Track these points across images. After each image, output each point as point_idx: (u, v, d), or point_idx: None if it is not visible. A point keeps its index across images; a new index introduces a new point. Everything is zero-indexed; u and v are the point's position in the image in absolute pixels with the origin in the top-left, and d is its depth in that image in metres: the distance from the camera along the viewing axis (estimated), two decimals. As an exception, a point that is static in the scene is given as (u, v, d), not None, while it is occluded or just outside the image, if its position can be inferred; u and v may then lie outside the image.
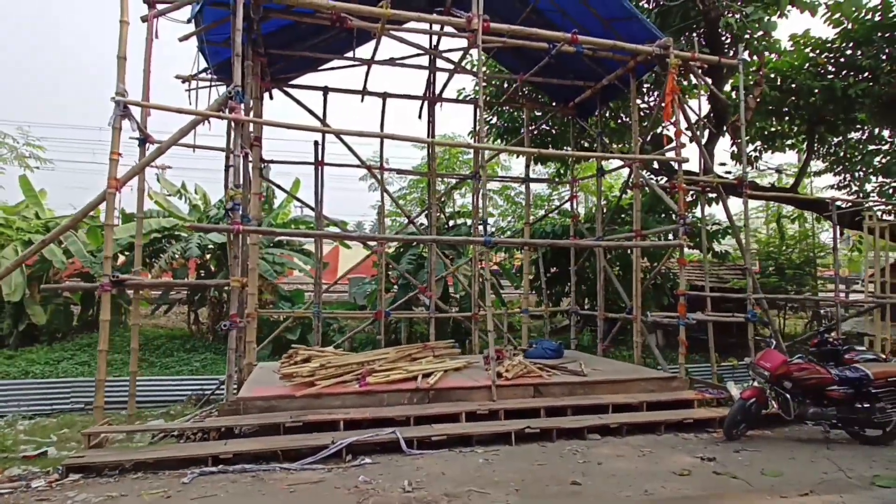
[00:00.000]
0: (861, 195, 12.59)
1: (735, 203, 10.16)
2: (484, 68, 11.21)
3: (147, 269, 12.76)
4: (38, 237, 12.47)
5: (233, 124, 6.37)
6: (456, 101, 11.53)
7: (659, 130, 10.99)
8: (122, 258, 13.15)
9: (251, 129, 7.88)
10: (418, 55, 9.43)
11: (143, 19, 6.28)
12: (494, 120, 13.15)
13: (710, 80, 9.78)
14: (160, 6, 6.40)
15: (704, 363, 10.58)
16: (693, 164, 9.68)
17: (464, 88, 13.19)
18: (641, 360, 8.55)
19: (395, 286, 12.74)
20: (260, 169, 8.39)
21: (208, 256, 13.66)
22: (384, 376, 6.46)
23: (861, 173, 12.93)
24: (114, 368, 10.43)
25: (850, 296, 14.11)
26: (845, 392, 5.89)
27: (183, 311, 15.37)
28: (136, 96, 6.13)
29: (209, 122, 6.71)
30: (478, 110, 7.16)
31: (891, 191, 12.54)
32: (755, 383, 6.40)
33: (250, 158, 7.82)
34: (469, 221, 14.49)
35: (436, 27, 8.20)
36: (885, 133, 12.59)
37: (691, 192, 9.54)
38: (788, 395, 6.04)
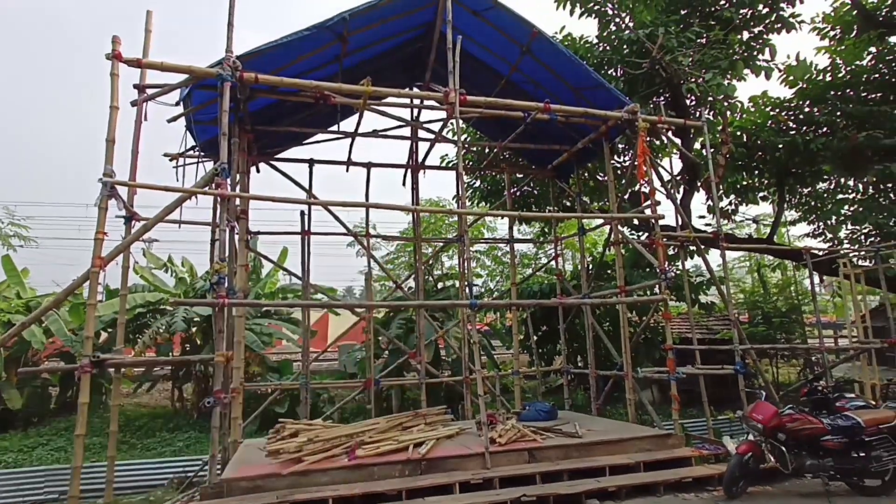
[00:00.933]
0: (835, 242, 12.94)
1: (716, 255, 10.39)
2: (464, 136, 11.69)
3: (131, 346, 12.53)
4: (18, 317, 12.25)
5: (219, 200, 6.50)
6: (439, 168, 11.91)
7: (636, 188, 11.39)
8: (104, 335, 12.91)
9: (237, 202, 8.03)
10: (400, 126, 9.83)
11: (133, 104, 6.53)
12: (478, 183, 13.54)
13: (679, 141, 10.27)
14: (149, 91, 6.68)
15: (701, 417, 10.42)
16: (670, 220, 9.96)
17: (447, 154, 13.67)
18: (637, 417, 8.41)
19: (386, 352, 12.58)
20: (246, 241, 8.48)
21: (194, 330, 13.47)
22: (374, 448, 6.27)
23: (832, 221, 13.36)
24: (92, 453, 9.98)
25: (839, 341, 14.15)
26: (840, 441, 5.81)
27: (167, 387, 14.95)
28: (124, 175, 6.28)
29: (196, 197, 6.84)
30: (459, 177, 7.38)
31: (861, 237, 12.94)
32: (750, 437, 6.31)
33: (237, 231, 7.91)
34: (457, 283, 14.56)
35: (416, 100, 8.60)
36: (851, 182, 13.15)
37: (672, 247, 9.76)
38: (784, 448, 5.95)
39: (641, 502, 5.89)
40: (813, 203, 13.57)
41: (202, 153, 8.27)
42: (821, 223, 13.69)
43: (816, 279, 11.00)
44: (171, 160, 8.04)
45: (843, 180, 13.13)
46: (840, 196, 13.17)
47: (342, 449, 6.26)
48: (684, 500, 5.99)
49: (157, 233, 6.73)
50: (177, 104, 6.99)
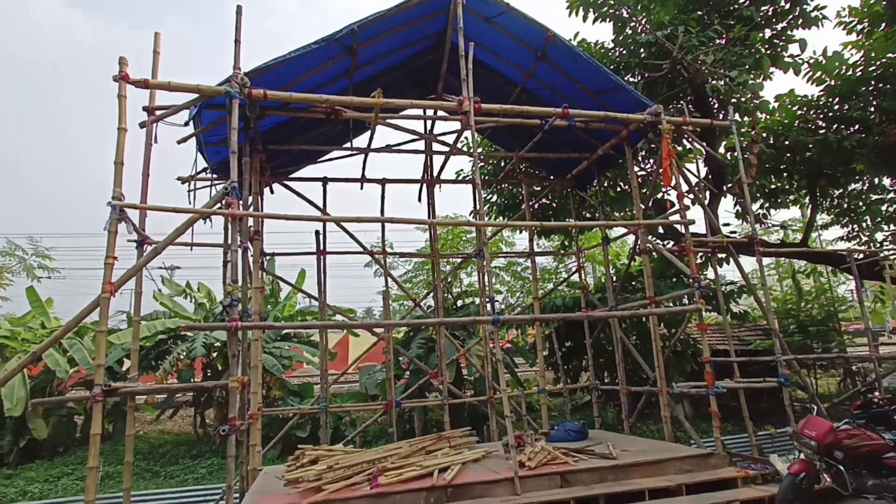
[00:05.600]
0: (871, 245, 12.29)
1: (746, 262, 9.91)
2: (479, 148, 11.48)
3: (154, 372, 12.45)
4: (42, 347, 12.28)
5: (230, 220, 6.35)
6: (454, 181, 11.68)
7: (660, 195, 11.00)
8: (128, 362, 12.87)
9: (250, 223, 7.90)
10: (414, 140, 9.66)
11: (142, 125, 6.46)
12: (494, 198, 13.28)
13: (704, 144, 9.88)
14: (158, 113, 6.61)
15: (739, 433, 9.82)
16: (698, 227, 9.54)
17: (462, 169, 13.50)
18: (672, 435, 7.92)
19: (407, 372, 12.27)
20: (261, 262, 8.33)
21: (215, 355, 13.35)
22: (397, 475, 5.94)
23: (868, 223, 12.71)
24: (116, 481, 9.82)
25: (880, 349, 13.33)
26: (905, 459, 5.32)
27: (190, 413, 14.83)
28: (136, 199, 6.20)
29: (211, 220, 6.73)
30: (476, 189, 7.13)
31: (902, 237, 12.26)
32: (801, 455, 5.82)
33: (250, 252, 7.77)
34: (477, 300, 14.23)
35: (429, 111, 8.40)
36: (886, 182, 12.52)
37: (700, 254, 9.31)
38: (842, 467, 5.46)
39: (686, 530, 5.45)
40: (846, 205, 12.94)
41: (215, 175, 8.20)
42: (855, 226, 13.05)
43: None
44: (183, 183, 7.97)
45: (877, 180, 12.52)
46: (875, 196, 12.54)
47: (364, 476, 5.95)
48: (733, 526, 5.54)
49: (179, 260, 6.63)
50: (185, 125, 6.91)
